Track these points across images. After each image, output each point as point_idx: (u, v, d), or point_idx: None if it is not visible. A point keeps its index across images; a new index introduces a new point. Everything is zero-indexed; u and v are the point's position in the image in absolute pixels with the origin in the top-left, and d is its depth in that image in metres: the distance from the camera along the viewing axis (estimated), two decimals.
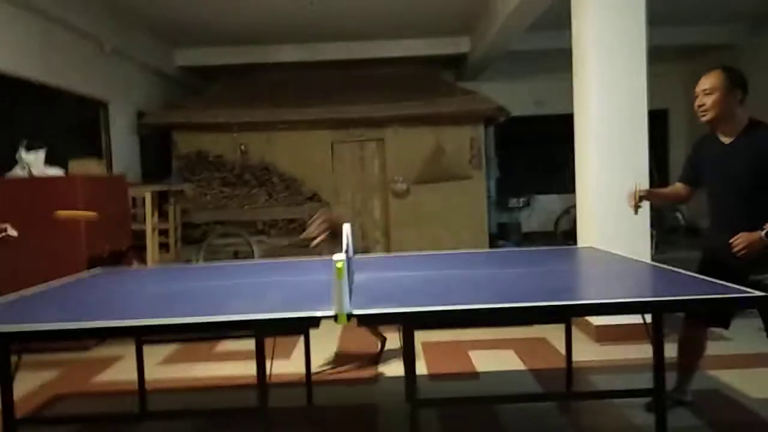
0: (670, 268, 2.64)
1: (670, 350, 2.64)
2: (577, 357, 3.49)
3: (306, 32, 8.23)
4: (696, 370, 3.11)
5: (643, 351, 3.38)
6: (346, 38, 8.66)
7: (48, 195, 4.58)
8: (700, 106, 2.76)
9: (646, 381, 2.41)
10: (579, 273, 2.97)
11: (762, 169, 2.63)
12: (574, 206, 4.89)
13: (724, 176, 2.77)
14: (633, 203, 2.91)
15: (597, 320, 4.35)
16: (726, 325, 2.94)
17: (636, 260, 2.99)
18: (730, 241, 2.61)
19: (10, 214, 4.50)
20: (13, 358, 2.34)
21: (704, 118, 2.77)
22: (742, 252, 2.58)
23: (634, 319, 2.56)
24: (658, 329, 2.27)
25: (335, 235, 3.51)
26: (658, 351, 2.27)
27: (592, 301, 2.21)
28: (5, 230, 2.60)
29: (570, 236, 8.01)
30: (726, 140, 2.77)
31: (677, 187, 3.10)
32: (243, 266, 3.68)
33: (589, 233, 4.45)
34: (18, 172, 4.71)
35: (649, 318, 2.30)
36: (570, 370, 3.30)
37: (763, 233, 2.54)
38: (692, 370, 3.09)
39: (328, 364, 4.02)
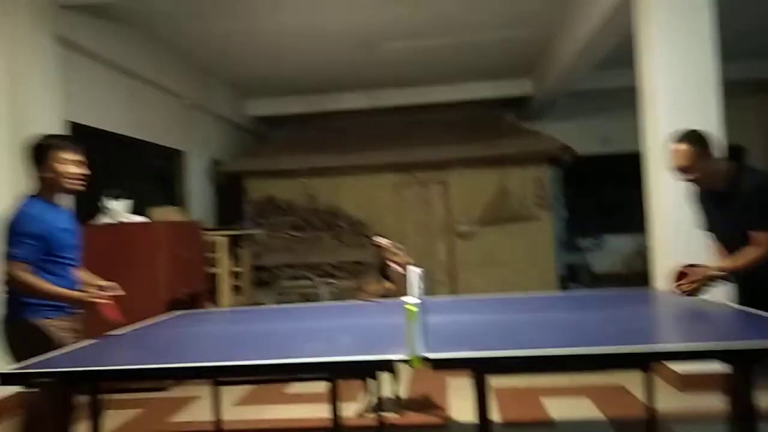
0: (758, 312, 2.51)
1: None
2: (658, 405, 3.33)
3: (369, 80, 8.48)
4: None
5: None
6: (408, 84, 8.86)
7: (131, 241, 4.86)
8: (688, 181, 2.85)
9: None
10: (657, 316, 2.87)
11: (755, 210, 2.69)
12: (647, 247, 4.74)
13: (726, 224, 2.83)
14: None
15: (679, 367, 4.14)
16: None
17: (717, 303, 2.86)
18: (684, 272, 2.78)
19: (96, 259, 4.78)
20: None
21: (699, 188, 2.91)
22: (691, 287, 2.71)
23: (721, 366, 2.44)
24: (746, 378, 2.15)
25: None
26: (745, 401, 2.15)
27: (676, 346, 2.13)
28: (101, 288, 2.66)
29: (643, 278, 7.71)
30: (719, 190, 2.83)
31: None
32: (313, 308, 3.75)
33: (664, 275, 4.28)
34: (104, 219, 5.02)
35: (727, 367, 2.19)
36: (652, 419, 3.14)
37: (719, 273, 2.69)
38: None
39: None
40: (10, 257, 2.54)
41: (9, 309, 2.62)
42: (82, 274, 2.85)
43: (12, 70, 4.48)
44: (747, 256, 2.66)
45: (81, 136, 5.28)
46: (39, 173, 2.66)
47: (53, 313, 2.63)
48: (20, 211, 2.60)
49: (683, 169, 2.79)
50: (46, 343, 2.52)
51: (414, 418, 3.83)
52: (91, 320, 2.82)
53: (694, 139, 2.78)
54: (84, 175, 2.72)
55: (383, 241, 3.55)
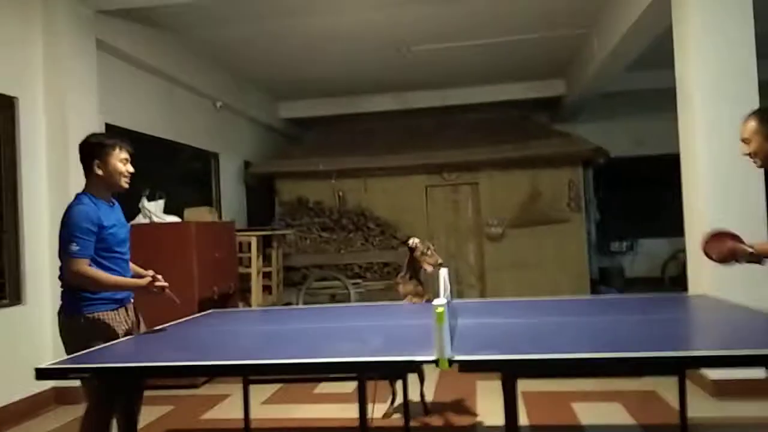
0: None
1: None
2: (691, 412, 3.25)
3: (399, 82, 8.49)
4: None
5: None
6: (439, 86, 8.84)
7: (166, 240, 4.95)
8: (746, 155, 2.72)
9: None
10: (693, 321, 2.81)
11: None
12: (683, 250, 4.64)
13: None
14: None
15: (714, 373, 4.04)
16: None
17: (756, 309, 2.78)
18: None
19: (131, 258, 4.91)
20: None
21: (756, 166, 2.74)
22: (719, 257, 2.63)
23: (757, 373, 2.38)
24: None
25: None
26: None
27: (712, 352, 2.07)
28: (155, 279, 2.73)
29: (678, 282, 7.55)
30: None
31: None
32: (342, 309, 3.78)
33: (701, 280, 4.19)
34: (141, 219, 5.14)
35: None
36: (685, 426, 3.08)
37: (750, 250, 2.56)
38: None
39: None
40: (70, 254, 2.57)
41: (65, 303, 2.69)
42: (131, 267, 2.95)
43: (52, 74, 4.62)
44: None
45: None
46: (95, 170, 2.70)
47: (108, 306, 2.69)
48: (74, 209, 2.64)
49: (745, 141, 2.70)
50: (99, 337, 2.58)
51: (441, 420, 3.82)
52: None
53: (764, 115, 2.69)
54: (131, 173, 2.80)
55: (415, 242, 3.55)
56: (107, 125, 5.23)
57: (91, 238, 2.60)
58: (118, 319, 2.73)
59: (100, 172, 2.69)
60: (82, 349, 2.46)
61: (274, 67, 7.61)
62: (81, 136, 2.82)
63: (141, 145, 5.86)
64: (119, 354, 2.45)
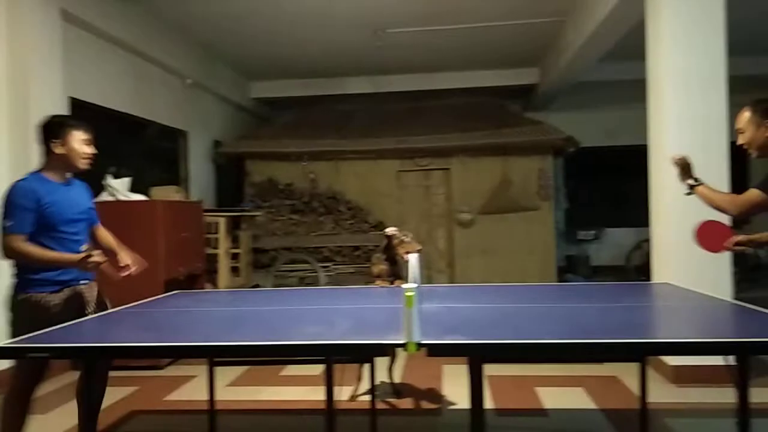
0: (756, 308, 2.51)
1: (756, 395, 2.49)
2: (651, 398, 3.34)
3: (374, 65, 8.43)
4: None
5: (725, 395, 3.20)
6: (414, 70, 8.81)
7: (131, 219, 4.85)
8: (741, 145, 2.79)
9: (727, 427, 2.29)
10: (655, 309, 2.86)
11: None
12: (647, 240, 4.73)
13: None
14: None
15: (674, 360, 4.15)
16: None
17: (717, 298, 2.86)
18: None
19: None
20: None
21: (752, 156, 2.80)
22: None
23: (715, 360, 2.44)
24: (743, 372, 2.16)
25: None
26: (743, 396, 2.15)
27: (671, 339, 2.12)
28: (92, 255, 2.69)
29: (643, 271, 7.72)
30: None
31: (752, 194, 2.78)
32: (311, 292, 3.76)
33: (665, 269, 4.29)
34: (105, 197, 5.01)
35: (732, 360, 2.19)
36: (645, 411, 3.15)
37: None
38: None
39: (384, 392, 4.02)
40: (4, 229, 2.58)
41: (12, 282, 2.69)
42: (105, 237, 3.01)
43: (14, 44, 4.45)
44: (721, 196, 2.81)
45: (82, 113, 5.27)
46: (51, 149, 2.71)
47: (47, 288, 2.67)
48: (14, 185, 2.66)
49: (739, 131, 2.76)
50: (33, 318, 2.56)
51: (408, 403, 3.85)
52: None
53: (757, 105, 2.74)
54: (92, 154, 2.80)
55: (392, 230, 3.56)
56: (72, 99, 5.08)
57: (27, 214, 2.59)
58: (57, 300, 2.69)
59: (58, 150, 2.70)
60: (20, 328, 2.50)
61: (246, 46, 7.48)
62: (44, 110, 2.79)
63: (107, 120, 5.75)
64: (80, 334, 2.40)
